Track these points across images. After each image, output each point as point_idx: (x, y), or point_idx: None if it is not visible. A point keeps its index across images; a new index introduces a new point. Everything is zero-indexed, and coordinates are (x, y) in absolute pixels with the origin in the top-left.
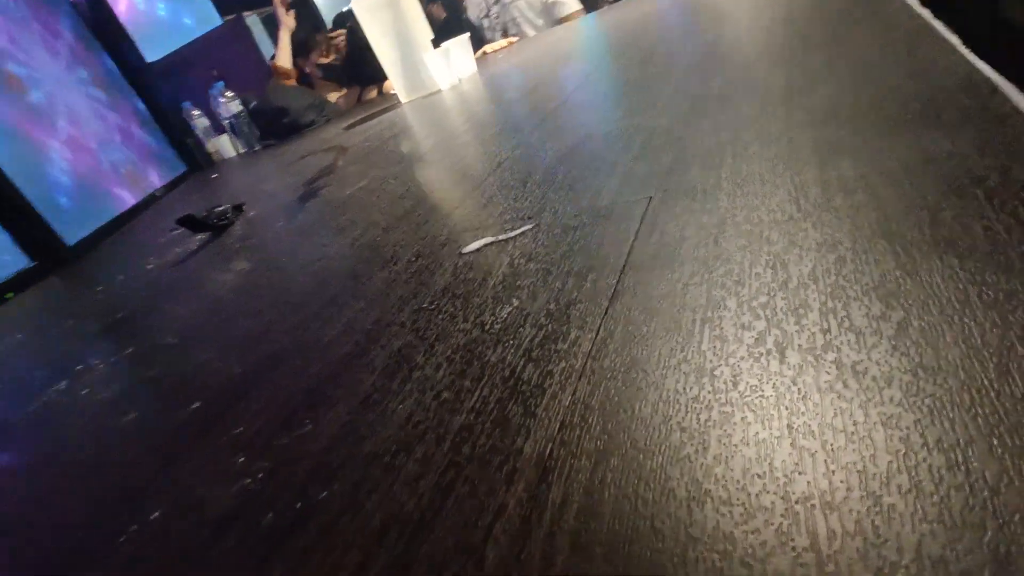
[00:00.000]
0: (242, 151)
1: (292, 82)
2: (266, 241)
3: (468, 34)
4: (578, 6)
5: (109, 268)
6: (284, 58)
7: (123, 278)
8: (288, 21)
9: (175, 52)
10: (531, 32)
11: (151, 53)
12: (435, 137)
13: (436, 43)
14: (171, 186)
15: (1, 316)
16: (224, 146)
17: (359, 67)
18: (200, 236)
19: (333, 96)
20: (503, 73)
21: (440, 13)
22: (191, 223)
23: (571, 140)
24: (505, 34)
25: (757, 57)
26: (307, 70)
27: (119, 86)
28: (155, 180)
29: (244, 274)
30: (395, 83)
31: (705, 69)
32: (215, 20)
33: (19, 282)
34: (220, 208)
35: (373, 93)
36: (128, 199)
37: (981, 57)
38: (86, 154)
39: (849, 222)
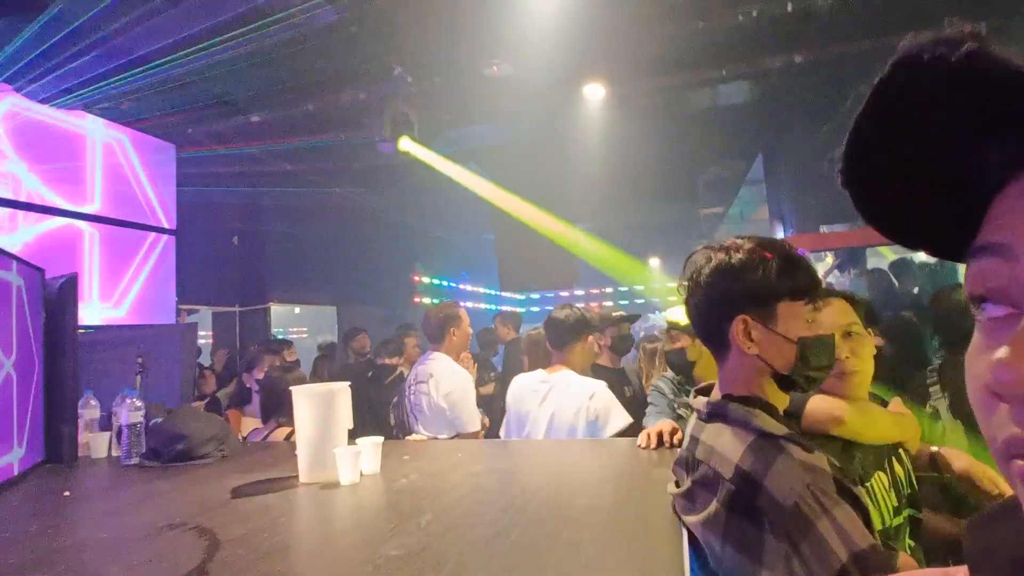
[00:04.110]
0: (115, 455)
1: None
2: None
3: (382, 438)
4: (477, 428)
5: None
6: None
7: None
8: None
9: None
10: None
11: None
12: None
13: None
14: (15, 482)
15: None
16: (99, 444)
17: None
18: None
19: (248, 424)
20: (404, 476)
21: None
22: None
23: None
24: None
25: None
26: (247, 384)
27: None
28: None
29: None
30: (300, 461)
31: None
32: (170, 317)
33: None
34: None
35: (283, 433)
36: None
37: None
38: None
39: None
